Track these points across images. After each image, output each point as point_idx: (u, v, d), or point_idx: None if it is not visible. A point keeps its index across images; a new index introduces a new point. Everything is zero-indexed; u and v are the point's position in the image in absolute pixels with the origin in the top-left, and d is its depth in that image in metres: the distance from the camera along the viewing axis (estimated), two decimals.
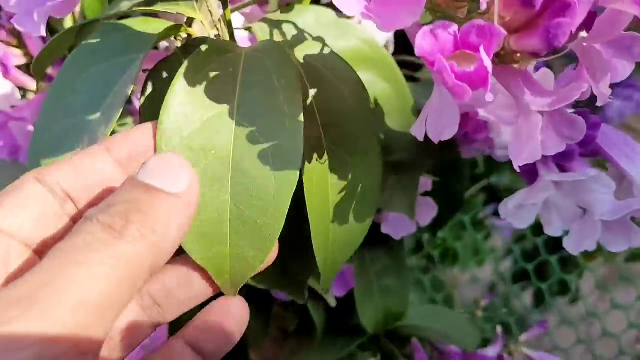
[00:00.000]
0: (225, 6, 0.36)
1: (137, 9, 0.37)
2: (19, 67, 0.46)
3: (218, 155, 0.30)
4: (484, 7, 0.24)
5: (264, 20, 0.40)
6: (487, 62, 0.24)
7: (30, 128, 0.45)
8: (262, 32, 0.39)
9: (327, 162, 0.35)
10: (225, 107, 0.31)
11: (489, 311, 1.08)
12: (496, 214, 1.12)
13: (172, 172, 0.25)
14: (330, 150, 0.35)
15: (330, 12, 0.41)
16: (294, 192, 0.30)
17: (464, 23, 0.26)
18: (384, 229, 0.55)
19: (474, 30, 0.24)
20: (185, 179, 0.26)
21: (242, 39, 0.46)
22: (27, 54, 0.46)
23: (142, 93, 0.36)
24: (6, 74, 0.44)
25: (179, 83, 0.31)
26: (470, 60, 0.25)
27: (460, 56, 0.25)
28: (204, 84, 0.31)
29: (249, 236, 0.30)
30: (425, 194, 0.55)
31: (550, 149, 0.29)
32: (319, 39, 0.40)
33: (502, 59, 0.27)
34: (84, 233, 0.23)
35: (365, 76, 0.40)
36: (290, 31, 0.40)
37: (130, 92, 0.32)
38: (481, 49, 0.24)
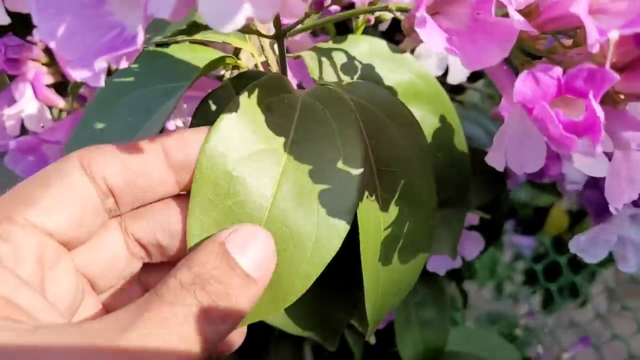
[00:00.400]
0: (280, 43, 0.34)
1: (183, 37, 0.34)
2: (50, 86, 0.44)
3: (259, 191, 0.28)
4: (595, 49, 0.21)
5: (314, 49, 0.38)
6: (599, 110, 0.21)
7: None
8: (312, 61, 0.37)
9: (380, 208, 0.33)
10: (277, 143, 0.29)
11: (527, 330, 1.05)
12: (515, 231, 1.10)
13: (259, 254, 0.26)
14: (383, 198, 0.33)
15: (384, 44, 0.39)
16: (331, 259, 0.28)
17: (556, 62, 0.24)
18: (430, 267, 0.53)
19: (582, 74, 0.22)
20: (268, 266, 0.26)
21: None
22: (58, 72, 0.44)
23: (191, 122, 0.33)
24: (37, 94, 0.42)
25: (233, 109, 0.28)
26: (572, 106, 0.23)
27: (561, 102, 0.23)
28: (259, 116, 0.29)
29: (270, 288, 0.27)
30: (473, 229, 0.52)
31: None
32: (372, 71, 0.38)
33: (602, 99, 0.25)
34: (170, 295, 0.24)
35: (417, 112, 0.38)
36: (341, 62, 0.37)
37: (166, 120, 0.30)
38: (590, 95, 0.21)
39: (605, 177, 0.27)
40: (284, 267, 0.27)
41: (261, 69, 0.37)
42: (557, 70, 0.22)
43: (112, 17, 0.24)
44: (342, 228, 0.28)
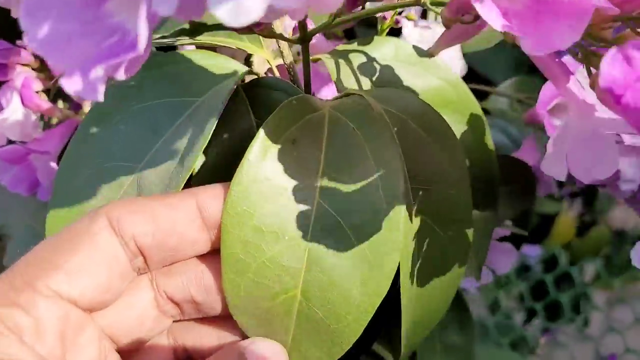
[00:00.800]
0: (305, 47, 0.30)
1: (185, 39, 0.31)
2: (43, 92, 0.40)
3: (291, 243, 0.25)
4: None
5: (335, 52, 0.34)
6: None
7: (54, 165, 0.39)
8: (333, 65, 0.34)
9: (416, 230, 0.29)
10: (305, 184, 0.26)
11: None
12: None
13: None
14: (419, 218, 0.29)
15: (409, 47, 0.35)
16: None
17: None
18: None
19: None
20: None
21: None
22: (49, 77, 0.40)
23: None
24: (25, 101, 0.38)
25: (255, 153, 0.26)
26: None
27: None
28: (284, 154, 0.26)
29: (317, 336, 0.26)
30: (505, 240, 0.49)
31: None
32: (398, 77, 0.34)
33: None
34: None
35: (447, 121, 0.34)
36: (364, 66, 0.34)
37: (178, 143, 0.27)
38: None
39: None
40: (333, 318, 0.25)
41: (277, 74, 0.34)
42: None
43: (112, 19, 0.20)
44: (388, 267, 0.25)
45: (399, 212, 0.25)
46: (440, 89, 0.35)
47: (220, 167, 0.29)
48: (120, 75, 0.19)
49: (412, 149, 0.29)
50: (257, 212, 0.25)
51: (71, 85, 0.18)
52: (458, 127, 0.36)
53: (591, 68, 0.24)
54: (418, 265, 0.30)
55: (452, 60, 0.40)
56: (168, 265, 0.26)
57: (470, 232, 0.32)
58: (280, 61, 0.33)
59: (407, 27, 0.40)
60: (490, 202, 0.38)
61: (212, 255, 0.26)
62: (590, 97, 0.23)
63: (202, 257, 0.27)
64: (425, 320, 0.32)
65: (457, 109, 0.36)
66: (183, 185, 0.26)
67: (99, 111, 0.29)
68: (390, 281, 0.25)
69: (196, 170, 0.29)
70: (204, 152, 0.30)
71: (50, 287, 0.23)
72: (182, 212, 0.25)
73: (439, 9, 0.25)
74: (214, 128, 0.27)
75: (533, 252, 1.07)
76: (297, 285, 0.25)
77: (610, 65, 0.19)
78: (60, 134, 0.40)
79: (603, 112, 0.23)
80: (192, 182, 0.29)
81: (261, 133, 0.26)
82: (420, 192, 0.30)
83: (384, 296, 0.25)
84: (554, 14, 0.20)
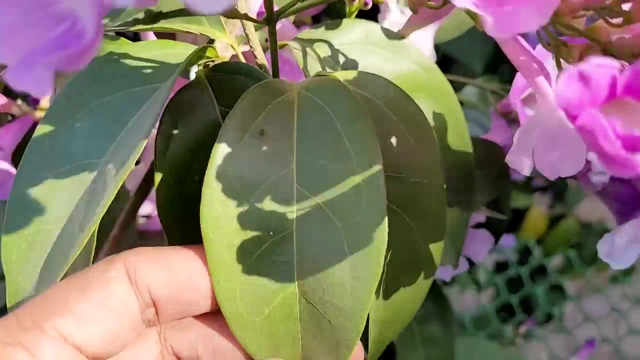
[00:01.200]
0: (272, 29, 0.28)
1: (141, 27, 0.29)
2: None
3: (277, 237, 0.24)
4: None
5: (302, 37, 0.33)
6: None
7: (5, 166, 0.37)
8: (300, 51, 0.32)
9: None
10: (280, 174, 0.25)
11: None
12: None
13: None
14: (389, 209, 0.28)
15: (379, 29, 0.34)
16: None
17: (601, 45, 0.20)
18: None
19: None
20: None
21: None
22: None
23: (159, 129, 0.28)
24: None
25: (219, 153, 0.24)
26: (628, 111, 0.18)
27: (614, 107, 0.18)
28: (252, 148, 0.25)
29: (323, 339, 0.25)
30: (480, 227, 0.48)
31: None
32: (369, 62, 0.33)
33: None
34: None
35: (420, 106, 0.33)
36: (333, 51, 0.33)
37: (149, 131, 0.25)
38: None
39: None
40: (331, 312, 0.24)
41: (243, 60, 0.32)
42: (613, 67, 0.17)
43: (60, 5, 0.18)
44: (376, 248, 0.24)
45: (379, 191, 0.24)
46: (413, 73, 0.34)
47: (185, 161, 0.28)
48: (72, 68, 0.17)
49: (384, 135, 0.28)
50: (235, 213, 0.24)
51: (16, 79, 0.17)
52: (432, 112, 0.35)
53: (560, 60, 0.23)
54: (387, 260, 0.29)
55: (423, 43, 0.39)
56: (178, 320, 0.26)
57: (443, 225, 0.31)
58: (245, 48, 0.32)
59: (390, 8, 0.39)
60: (466, 188, 0.38)
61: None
62: None
63: (213, 314, 0.26)
64: (396, 319, 0.31)
65: (431, 93, 0.34)
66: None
67: (57, 111, 0.27)
68: (381, 264, 0.24)
69: (157, 165, 0.28)
70: (165, 146, 0.28)
71: (57, 329, 0.22)
72: (199, 264, 0.25)
73: None
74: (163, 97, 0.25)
75: (509, 243, 1.07)
76: (292, 279, 0.24)
77: (566, 85, 0.18)
78: (16, 130, 0.38)
79: None
80: (156, 178, 0.28)
81: (226, 129, 0.24)
82: (391, 182, 0.28)
83: (377, 281, 0.24)
84: None
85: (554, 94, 0.20)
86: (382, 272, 0.28)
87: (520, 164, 0.26)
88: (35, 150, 0.27)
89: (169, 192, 0.28)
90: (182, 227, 0.28)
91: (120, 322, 0.24)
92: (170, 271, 0.25)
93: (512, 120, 0.43)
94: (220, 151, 0.24)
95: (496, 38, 0.24)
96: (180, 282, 0.25)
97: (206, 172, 0.24)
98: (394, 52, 0.34)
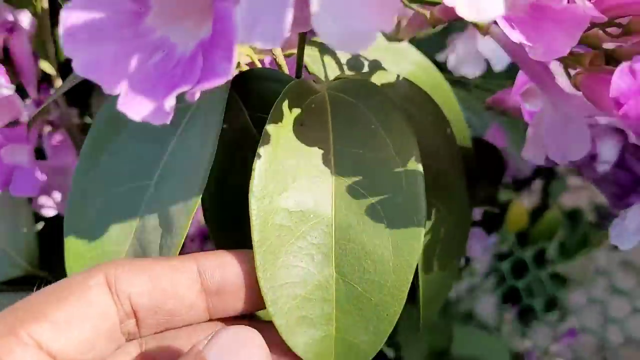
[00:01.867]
0: (301, 40, 0.30)
1: None
2: None
3: (318, 221, 0.25)
4: None
5: (312, 43, 0.35)
6: None
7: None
8: (312, 58, 0.34)
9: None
10: (319, 162, 0.26)
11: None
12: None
13: (244, 356, 0.22)
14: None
15: (381, 36, 0.36)
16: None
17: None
18: None
19: None
20: None
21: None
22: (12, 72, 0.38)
23: None
24: None
25: (267, 137, 0.26)
26: None
27: None
28: (290, 138, 0.26)
29: (362, 317, 0.25)
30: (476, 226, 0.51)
31: None
32: (375, 65, 0.35)
33: None
34: None
35: None
36: (342, 56, 0.34)
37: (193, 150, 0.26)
38: None
39: None
40: (372, 289, 0.25)
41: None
42: None
43: (154, 34, 0.19)
44: (415, 227, 0.25)
45: (418, 175, 0.26)
46: (412, 74, 0.36)
47: (224, 167, 0.29)
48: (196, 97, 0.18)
49: None
50: (280, 195, 0.25)
51: (136, 112, 0.18)
52: None
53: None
54: (424, 248, 0.31)
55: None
56: (160, 333, 0.25)
57: (467, 209, 0.33)
58: (261, 56, 0.33)
59: None
60: (469, 182, 0.40)
61: (208, 326, 0.26)
62: (564, 84, 0.25)
63: (196, 328, 0.26)
64: (437, 295, 0.33)
65: (430, 92, 0.37)
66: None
67: (97, 135, 0.28)
68: (421, 241, 0.25)
69: None
70: None
71: (32, 336, 0.22)
72: (182, 274, 0.25)
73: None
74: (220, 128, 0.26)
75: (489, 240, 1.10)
76: (331, 261, 0.25)
77: (618, 77, 0.21)
78: None
79: (576, 97, 0.25)
80: None
81: (271, 119, 0.26)
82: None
83: (418, 256, 0.25)
84: (554, 22, 0.22)
85: (611, 88, 0.22)
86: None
87: (535, 154, 0.29)
88: (81, 176, 0.28)
89: (212, 198, 0.29)
90: (228, 230, 0.29)
91: (97, 330, 0.23)
92: (152, 280, 0.24)
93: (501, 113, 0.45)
94: (267, 139, 0.25)
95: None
96: (163, 291, 0.24)
97: (255, 158, 0.25)
98: (394, 54, 0.36)
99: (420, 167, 0.26)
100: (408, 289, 0.25)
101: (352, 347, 0.25)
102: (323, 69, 0.33)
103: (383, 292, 0.25)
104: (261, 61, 0.33)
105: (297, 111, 0.27)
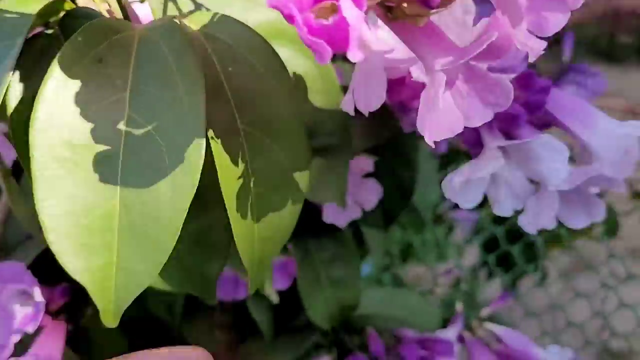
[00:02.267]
0: None
1: None
2: None
3: (105, 153, 0.26)
4: None
5: None
6: (349, 12, 0.20)
7: None
8: (157, 4, 0.34)
9: (245, 147, 0.30)
10: (114, 99, 0.26)
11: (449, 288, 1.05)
12: (455, 207, 1.09)
13: None
14: (247, 133, 0.31)
15: None
16: (192, 198, 0.26)
17: None
18: (326, 219, 0.51)
19: None
20: None
21: (146, 15, 0.40)
22: None
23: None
24: None
25: (57, 68, 0.26)
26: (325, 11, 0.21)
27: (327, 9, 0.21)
28: (89, 71, 0.27)
29: (139, 247, 0.26)
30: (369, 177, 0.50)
31: (474, 119, 0.25)
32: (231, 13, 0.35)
33: (393, 13, 0.24)
34: None
35: (283, 52, 0.34)
36: (190, 4, 0.34)
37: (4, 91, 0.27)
38: None
39: None
40: (149, 222, 0.26)
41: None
42: None
43: None
44: (194, 160, 0.26)
45: (199, 116, 0.26)
46: (272, 20, 0.36)
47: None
48: None
49: (235, 67, 0.31)
50: (66, 127, 0.26)
51: None
52: (296, 56, 0.37)
53: None
54: (254, 186, 0.31)
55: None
56: None
57: (304, 149, 0.33)
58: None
59: None
60: (342, 132, 0.40)
61: None
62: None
63: None
64: (273, 237, 0.33)
65: (294, 39, 0.37)
66: None
67: None
68: (197, 179, 0.26)
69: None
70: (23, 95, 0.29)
71: None
72: None
73: None
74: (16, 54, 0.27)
75: (464, 216, 1.09)
76: (115, 192, 0.26)
77: None
78: None
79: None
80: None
81: (64, 48, 0.26)
82: (247, 106, 0.31)
83: (194, 190, 0.26)
84: None
85: None
86: (249, 193, 0.31)
87: (348, 106, 0.30)
88: None
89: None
90: None
91: None
92: None
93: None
94: (57, 70, 0.26)
95: None
96: None
97: (40, 89, 0.25)
98: (254, 2, 0.36)
99: (202, 112, 0.26)
100: (181, 224, 0.26)
101: (130, 274, 0.26)
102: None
103: (158, 224, 0.26)
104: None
105: (99, 46, 0.27)
